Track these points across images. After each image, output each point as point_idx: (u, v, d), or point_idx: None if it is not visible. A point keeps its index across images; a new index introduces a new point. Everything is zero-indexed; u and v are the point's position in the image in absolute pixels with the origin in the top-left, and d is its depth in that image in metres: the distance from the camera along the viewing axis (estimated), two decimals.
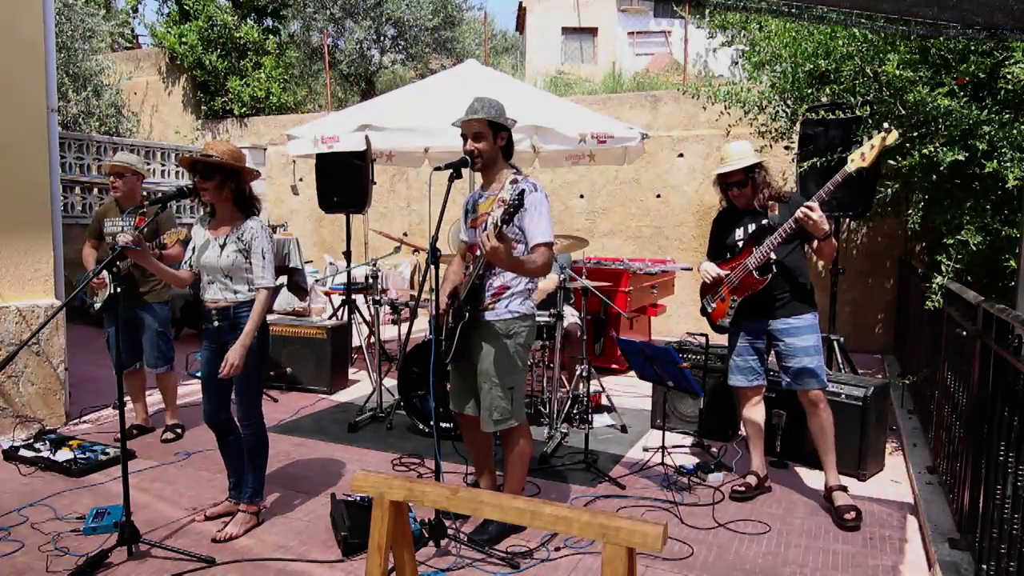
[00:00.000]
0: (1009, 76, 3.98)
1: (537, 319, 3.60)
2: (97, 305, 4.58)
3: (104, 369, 5.61)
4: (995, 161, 3.99)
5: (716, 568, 3.05)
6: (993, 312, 2.72)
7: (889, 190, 4.81)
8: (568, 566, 3.03)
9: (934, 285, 4.06)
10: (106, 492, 3.76)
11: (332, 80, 13.89)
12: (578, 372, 4.80)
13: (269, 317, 3.34)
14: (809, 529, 3.43)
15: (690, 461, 4.21)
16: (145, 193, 5.89)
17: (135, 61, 12.31)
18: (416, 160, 7.38)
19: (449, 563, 3.02)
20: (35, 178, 4.76)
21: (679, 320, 8.21)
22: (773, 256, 3.50)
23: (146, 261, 3.21)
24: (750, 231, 3.62)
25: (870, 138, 3.30)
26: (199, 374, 3.51)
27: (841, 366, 4.97)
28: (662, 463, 4.14)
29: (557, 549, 3.15)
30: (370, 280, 5.49)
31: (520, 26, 24.49)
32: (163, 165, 10.13)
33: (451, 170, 3.08)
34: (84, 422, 5.01)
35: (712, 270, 3.70)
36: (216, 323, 3.26)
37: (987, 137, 4.05)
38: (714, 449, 4.50)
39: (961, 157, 4.09)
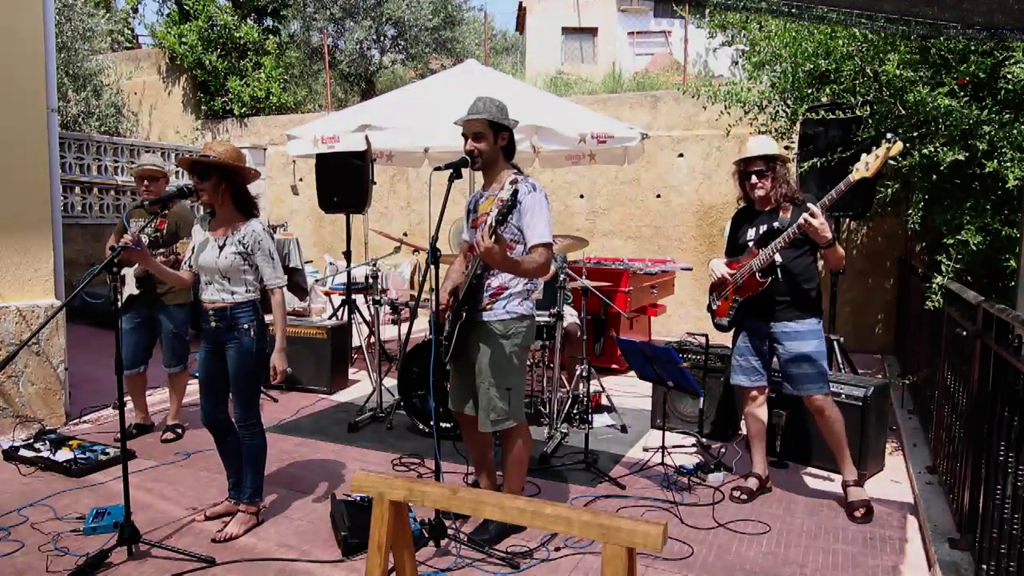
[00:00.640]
0: (1009, 76, 3.98)
1: (537, 319, 3.60)
2: (121, 300, 4.55)
3: (104, 369, 5.59)
4: (995, 161, 3.99)
5: (716, 568, 3.05)
6: (993, 312, 2.72)
7: (889, 190, 4.81)
8: (568, 566, 3.03)
9: (934, 285, 4.06)
10: (106, 492, 3.77)
11: (332, 80, 13.88)
12: (578, 372, 4.80)
13: (268, 318, 3.34)
14: (809, 529, 3.43)
15: (690, 461, 4.21)
16: None
17: (135, 61, 12.29)
18: (416, 160, 7.38)
19: (449, 563, 3.02)
20: (35, 178, 4.76)
21: (679, 320, 8.21)
22: (778, 259, 3.50)
23: (146, 262, 3.21)
24: (761, 232, 3.63)
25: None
26: (197, 374, 3.51)
27: (841, 366, 4.97)
28: (662, 463, 4.14)
29: (557, 549, 3.15)
30: (370, 280, 5.48)
31: (520, 26, 24.51)
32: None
33: (451, 170, 3.08)
34: (84, 422, 5.01)
35: (719, 269, 3.73)
36: (213, 323, 3.26)
37: (987, 137, 4.05)
38: (715, 447, 4.50)
39: (961, 157, 4.09)
